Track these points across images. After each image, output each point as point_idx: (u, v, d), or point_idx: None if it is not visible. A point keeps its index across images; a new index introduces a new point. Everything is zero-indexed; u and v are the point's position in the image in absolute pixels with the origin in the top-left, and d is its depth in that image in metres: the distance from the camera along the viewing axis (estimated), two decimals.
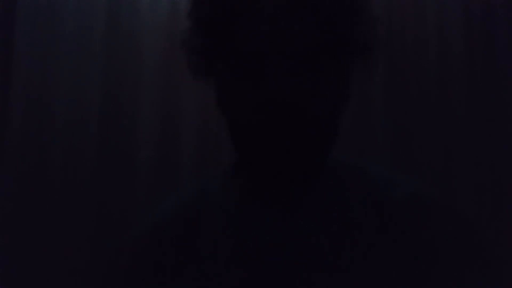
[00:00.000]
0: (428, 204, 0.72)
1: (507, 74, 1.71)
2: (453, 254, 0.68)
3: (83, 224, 1.59)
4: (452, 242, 0.69)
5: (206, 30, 0.71)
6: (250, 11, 0.67)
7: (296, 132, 0.65)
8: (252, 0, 0.67)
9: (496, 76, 1.72)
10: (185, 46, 0.74)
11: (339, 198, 0.72)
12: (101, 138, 1.65)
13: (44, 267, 1.54)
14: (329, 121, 0.69)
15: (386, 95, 1.70)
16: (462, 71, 1.72)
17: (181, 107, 1.68)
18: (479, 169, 1.66)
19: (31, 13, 1.68)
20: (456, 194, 1.64)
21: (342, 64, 0.70)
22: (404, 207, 0.71)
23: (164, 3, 1.71)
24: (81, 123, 1.65)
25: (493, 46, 1.73)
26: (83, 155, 1.63)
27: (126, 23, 1.71)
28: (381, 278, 0.66)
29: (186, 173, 1.64)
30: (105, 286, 0.83)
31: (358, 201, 0.72)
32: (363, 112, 1.68)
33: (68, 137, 1.64)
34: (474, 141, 1.68)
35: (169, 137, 1.67)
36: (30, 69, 1.66)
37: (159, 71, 1.68)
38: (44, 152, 1.63)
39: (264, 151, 0.66)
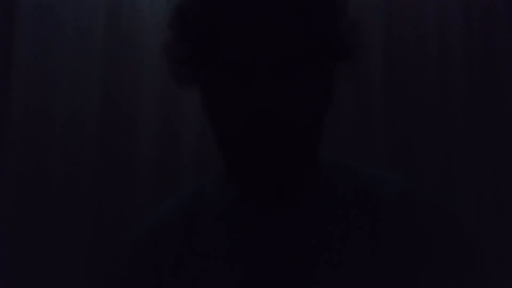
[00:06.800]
0: (417, 202, 0.73)
1: (507, 74, 1.71)
2: (442, 251, 0.69)
3: (82, 226, 1.59)
4: (441, 239, 0.70)
5: (189, 40, 0.72)
6: (232, 19, 0.68)
7: (283, 136, 0.67)
8: (234, 9, 0.68)
9: (496, 76, 1.72)
10: (168, 56, 0.75)
11: (330, 198, 0.74)
12: (101, 138, 1.65)
13: (44, 268, 1.54)
14: (315, 124, 0.70)
15: (385, 96, 1.70)
16: (462, 71, 1.72)
17: (181, 107, 1.68)
18: (479, 170, 1.66)
19: (31, 13, 1.68)
20: (456, 195, 1.64)
21: (325, 68, 0.72)
22: (394, 205, 0.72)
23: (164, 3, 1.71)
24: (80, 123, 1.65)
25: (493, 46, 1.73)
26: (83, 156, 1.63)
27: (126, 23, 1.71)
28: (373, 276, 0.67)
29: (186, 174, 1.64)
30: (104, 287, 0.83)
31: (349, 200, 0.73)
32: (362, 113, 1.68)
33: (68, 137, 1.64)
34: (474, 141, 1.68)
35: (169, 138, 1.67)
36: (30, 69, 1.66)
37: (159, 71, 1.68)
38: (43, 152, 1.63)
39: (253, 156, 0.67)
